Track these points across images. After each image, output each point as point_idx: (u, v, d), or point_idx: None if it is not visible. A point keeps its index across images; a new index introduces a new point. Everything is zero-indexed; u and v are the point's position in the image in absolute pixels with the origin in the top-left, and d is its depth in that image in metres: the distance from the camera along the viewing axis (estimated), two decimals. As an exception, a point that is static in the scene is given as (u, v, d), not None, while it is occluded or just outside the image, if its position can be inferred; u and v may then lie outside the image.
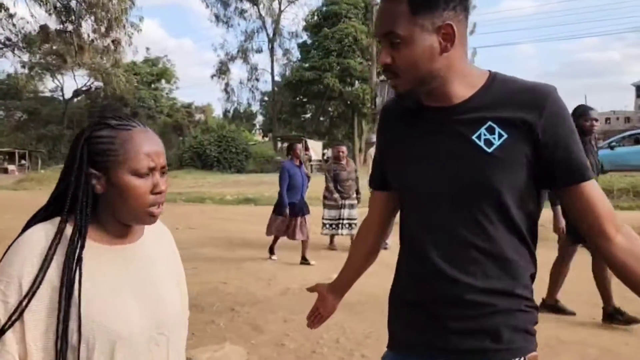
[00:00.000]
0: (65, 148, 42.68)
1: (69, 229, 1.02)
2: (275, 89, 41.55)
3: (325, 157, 31.38)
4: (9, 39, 14.62)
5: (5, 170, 37.51)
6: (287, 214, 6.80)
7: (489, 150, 1.10)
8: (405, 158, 1.24)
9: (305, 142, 30.71)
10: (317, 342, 3.93)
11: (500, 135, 1.10)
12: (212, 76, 45.06)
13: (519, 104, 1.11)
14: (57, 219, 1.03)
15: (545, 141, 1.09)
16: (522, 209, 1.14)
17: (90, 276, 1.01)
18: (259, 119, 51.13)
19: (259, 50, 44.49)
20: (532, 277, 1.21)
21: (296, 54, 41.36)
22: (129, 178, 1.04)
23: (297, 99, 35.61)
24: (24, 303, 0.94)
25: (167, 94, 47.89)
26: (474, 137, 1.11)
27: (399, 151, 1.27)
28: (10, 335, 0.93)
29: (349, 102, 32.61)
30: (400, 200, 1.31)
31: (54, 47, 16.10)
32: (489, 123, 1.11)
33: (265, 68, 48.64)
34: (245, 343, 3.95)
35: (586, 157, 1.14)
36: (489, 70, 1.20)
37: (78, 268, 0.98)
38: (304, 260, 6.74)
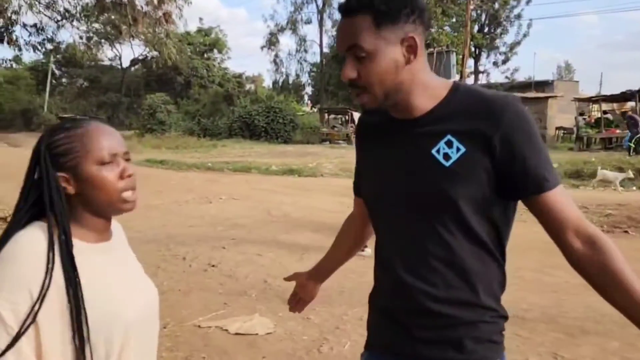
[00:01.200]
0: (124, 115, 44.27)
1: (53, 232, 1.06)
2: (324, 60, 41.27)
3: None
4: (67, 11, 15.24)
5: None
6: None
7: (447, 165, 1.12)
8: (372, 170, 1.30)
9: (351, 114, 30.54)
10: (341, 318, 4.07)
11: (458, 149, 1.12)
12: (262, 47, 45.28)
13: (478, 116, 1.12)
14: (38, 223, 1.07)
15: (502, 153, 1.10)
16: (484, 220, 1.16)
17: (88, 272, 1.06)
18: (308, 89, 51.10)
19: (308, 21, 44.09)
20: (501, 287, 1.23)
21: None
22: (95, 169, 1.08)
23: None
24: (37, 307, 0.97)
25: (219, 63, 48.51)
26: (433, 152, 1.14)
27: (368, 163, 1.33)
28: (25, 343, 0.96)
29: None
30: (369, 210, 1.35)
31: (113, 17, 16.60)
32: (448, 137, 1.13)
33: (314, 39, 48.26)
34: (274, 315, 4.14)
35: (550, 166, 1.13)
36: (454, 81, 1.22)
37: (72, 263, 1.03)
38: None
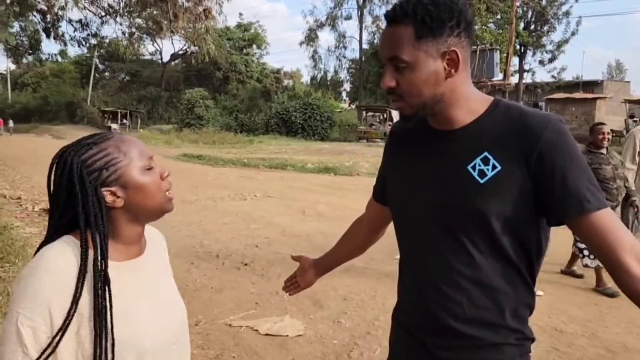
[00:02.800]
0: (163, 109, 45.19)
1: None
2: (363, 57, 41.06)
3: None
4: (111, 7, 15.63)
5: (109, 129, 40.36)
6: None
7: (482, 182, 1.09)
8: (404, 179, 1.27)
9: (390, 112, 30.29)
10: (372, 323, 4.00)
11: (494, 167, 1.09)
12: (301, 43, 45.40)
13: (517, 134, 1.09)
14: (68, 238, 1.04)
15: (541, 173, 1.06)
16: (516, 239, 1.12)
17: (115, 295, 1.03)
18: (346, 86, 50.98)
19: (348, 17, 44.13)
20: (530, 309, 1.19)
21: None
22: (141, 175, 1.07)
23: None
24: (57, 338, 0.95)
25: (257, 59, 48.96)
26: (468, 167, 1.11)
27: (400, 171, 1.29)
28: None
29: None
30: (395, 221, 1.33)
31: (155, 12, 16.96)
32: (485, 153, 1.10)
33: (354, 35, 47.97)
34: (304, 317, 4.11)
35: (593, 187, 1.07)
36: (494, 97, 1.19)
37: (107, 290, 1.00)
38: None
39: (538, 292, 3.93)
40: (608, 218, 1.06)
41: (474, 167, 1.11)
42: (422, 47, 1.07)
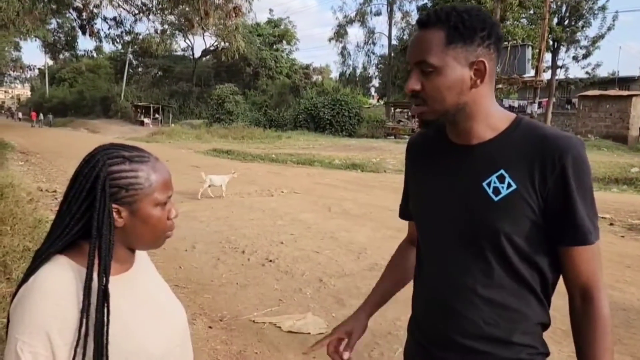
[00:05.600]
0: (194, 104, 45.77)
1: (84, 265, 1.02)
2: (392, 53, 40.76)
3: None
4: (144, 4, 15.95)
5: (142, 123, 41.18)
6: None
7: (495, 199, 1.10)
8: (423, 192, 1.28)
9: (418, 109, 30.01)
10: (394, 323, 4.02)
11: (509, 186, 1.09)
12: (330, 39, 45.32)
13: (536, 155, 1.09)
14: (62, 258, 1.04)
15: (554, 197, 1.08)
16: (528, 258, 1.13)
17: (114, 309, 1.03)
18: (375, 82, 50.70)
19: (378, 13, 43.64)
20: (543, 326, 1.19)
21: (415, 17, 39.97)
22: (152, 209, 1.07)
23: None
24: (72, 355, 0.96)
25: (287, 54, 49.11)
26: (484, 184, 1.12)
27: (420, 185, 1.31)
28: None
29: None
30: (418, 234, 1.33)
31: (186, 9, 17.24)
32: (501, 171, 1.11)
33: (383, 31, 47.66)
34: (327, 315, 4.15)
35: (596, 218, 1.11)
36: (516, 115, 1.19)
37: (106, 305, 1.00)
38: None
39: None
40: (598, 250, 1.12)
41: (489, 184, 1.11)
42: (451, 52, 1.08)
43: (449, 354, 1.18)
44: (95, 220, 1.01)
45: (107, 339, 0.99)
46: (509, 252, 1.11)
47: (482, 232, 1.12)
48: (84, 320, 0.97)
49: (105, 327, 0.99)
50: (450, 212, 1.17)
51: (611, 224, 7.87)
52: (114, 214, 1.04)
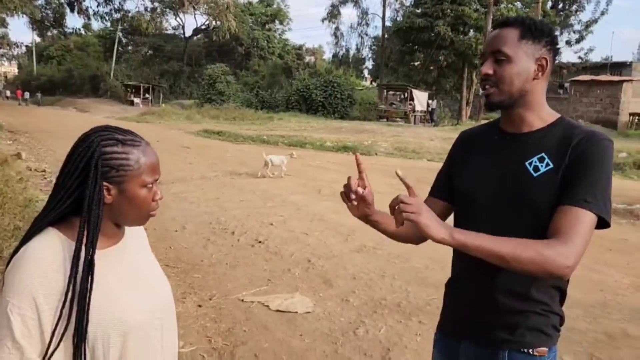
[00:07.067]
0: (185, 84, 45.35)
1: (72, 237, 1.12)
2: (385, 35, 40.54)
3: (429, 109, 30.49)
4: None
5: (131, 103, 40.61)
6: None
7: (535, 175, 1.31)
8: (471, 168, 1.47)
9: (411, 92, 29.98)
10: (379, 302, 4.13)
11: (547, 165, 1.31)
12: (323, 20, 44.99)
13: (570, 140, 1.30)
14: (52, 231, 1.13)
15: (571, 165, 1.27)
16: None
17: (98, 279, 1.11)
18: (368, 64, 50.49)
19: (372, -7, 43.24)
20: (560, 290, 1.39)
21: (410, -2, 39.73)
22: (139, 189, 1.16)
23: (406, 46, 34.48)
24: (51, 348, 1.05)
25: (279, 35, 48.69)
26: (526, 163, 1.34)
27: (468, 164, 1.49)
28: (28, 348, 1.05)
29: (460, 52, 30.95)
30: (458, 206, 1.51)
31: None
32: (542, 154, 1.33)
33: (377, 12, 47.28)
34: (314, 295, 4.25)
35: (603, 196, 1.24)
36: (562, 115, 1.41)
37: (90, 274, 1.09)
38: None
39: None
40: (587, 220, 1.23)
41: (530, 164, 1.33)
42: (522, 46, 1.33)
43: (479, 308, 1.40)
44: (87, 195, 1.10)
45: (89, 304, 1.09)
46: (543, 218, 1.28)
47: (521, 201, 1.31)
48: (71, 286, 1.07)
49: (88, 294, 1.09)
50: (495, 185, 1.37)
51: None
52: (104, 191, 1.13)
